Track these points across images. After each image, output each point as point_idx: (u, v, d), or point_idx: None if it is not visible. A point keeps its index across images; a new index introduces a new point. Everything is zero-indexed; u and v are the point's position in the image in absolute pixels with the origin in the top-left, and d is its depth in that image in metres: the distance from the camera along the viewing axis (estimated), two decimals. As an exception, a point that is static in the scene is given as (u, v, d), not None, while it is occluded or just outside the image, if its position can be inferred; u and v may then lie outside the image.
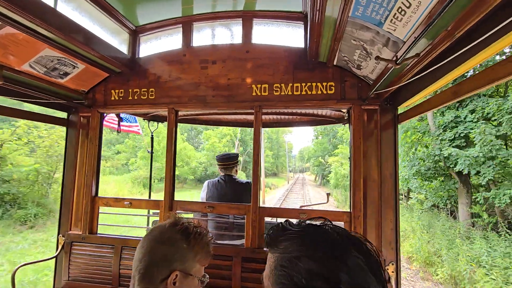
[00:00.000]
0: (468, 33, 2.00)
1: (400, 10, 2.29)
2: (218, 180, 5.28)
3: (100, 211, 4.79)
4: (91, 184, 4.78)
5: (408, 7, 2.21)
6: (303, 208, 4.06)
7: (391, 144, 3.83)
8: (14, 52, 3.56)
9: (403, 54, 2.53)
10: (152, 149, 7.28)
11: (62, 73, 4.20)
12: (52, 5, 3.39)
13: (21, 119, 4.21)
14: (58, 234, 4.82)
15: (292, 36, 4.41)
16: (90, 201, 4.74)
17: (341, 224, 4.05)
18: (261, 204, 4.12)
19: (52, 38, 3.50)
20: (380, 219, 3.79)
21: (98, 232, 4.76)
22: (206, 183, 5.36)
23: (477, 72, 2.19)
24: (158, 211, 4.56)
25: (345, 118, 5.40)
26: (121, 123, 6.40)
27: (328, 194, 6.28)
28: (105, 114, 5.08)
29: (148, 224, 6.38)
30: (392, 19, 2.46)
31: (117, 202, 4.69)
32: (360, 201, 3.83)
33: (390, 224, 3.76)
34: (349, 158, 4.32)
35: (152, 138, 7.09)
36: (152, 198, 5.73)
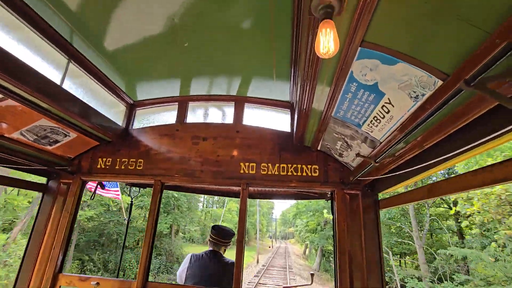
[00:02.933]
0: (435, 145, 2.32)
1: (375, 118, 2.66)
2: (203, 255, 4.94)
3: (60, 292, 4.25)
4: (57, 259, 4.34)
5: (382, 118, 2.57)
6: (288, 297, 3.79)
7: (374, 229, 3.93)
8: (10, 121, 3.61)
9: (381, 153, 2.83)
10: (129, 217, 6.91)
11: (52, 141, 4.22)
12: (58, 82, 3.62)
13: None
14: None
15: (279, 120, 4.82)
16: (51, 278, 4.24)
17: None
18: (243, 290, 3.85)
19: (52, 111, 3.62)
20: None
21: None
22: (189, 256, 4.97)
23: (451, 176, 2.45)
24: None
25: (328, 195, 5.55)
26: (99, 188, 6.18)
27: (312, 275, 5.98)
28: (87, 182, 4.94)
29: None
30: (369, 124, 2.82)
31: (83, 281, 4.22)
32: (347, 286, 3.70)
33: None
34: (332, 238, 4.31)
35: (131, 204, 6.81)
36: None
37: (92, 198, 6.19)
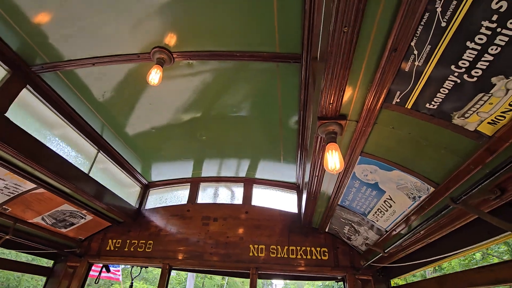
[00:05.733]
0: (440, 239, 2.50)
1: (379, 210, 2.90)
2: None
3: None
4: None
5: (386, 211, 2.81)
6: None
7: (391, 321, 3.75)
8: (35, 207, 3.83)
9: (388, 243, 2.97)
10: (127, 301, 6.48)
11: (68, 224, 4.36)
12: (86, 171, 3.97)
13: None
14: None
15: (286, 201, 5.04)
16: None
17: None
18: None
19: (75, 197, 3.88)
20: None
21: None
22: None
23: (459, 271, 2.55)
24: None
25: (338, 278, 5.37)
26: (103, 272, 5.99)
27: None
28: (94, 265, 4.88)
29: None
30: (374, 214, 3.04)
31: None
32: None
33: None
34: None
35: (131, 286, 6.47)
36: None
37: (96, 282, 5.93)
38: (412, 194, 2.35)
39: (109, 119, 3.84)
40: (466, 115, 1.52)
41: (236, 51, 2.77)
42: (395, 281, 4.03)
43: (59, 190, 3.57)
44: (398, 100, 1.71)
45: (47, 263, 4.98)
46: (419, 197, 2.30)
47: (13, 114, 2.96)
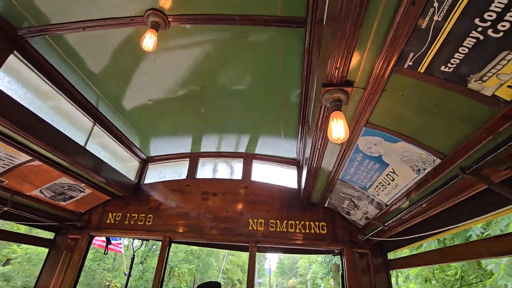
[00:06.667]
0: (441, 213, 2.47)
1: (381, 184, 2.85)
2: None
3: None
4: (56, 323, 4.15)
5: (388, 184, 2.76)
6: None
7: (385, 290, 3.84)
8: (32, 180, 3.79)
9: (388, 216, 2.96)
10: (130, 271, 6.68)
11: (67, 197, 4.35)
12: (82, 143, 3.89)
13: None
14: None
15: (286, 176, 5.01)
16: None
17: None
18: None
19: (73, 170, 3.83)
20: None
21: None
22: None
23: (461, 243, 2.54)
24: None
25: (335, 251, 5.47)
26: (104, 242, 6.09)
27: None
28: (95, 237, 4.94)
29: None
30: (375, 188, 3.00)
31: None
32: None
33: None
34: (344, 300, 4.17)
35: (133, 258, 6.63)
36: None
37: (105, 253, 6.05)
38: (416, 166, 2.28)
39: (104, 89, 3.69)
40: (485, 78, 1.41)
41: (236, 15, 2.58)
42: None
43: (55, 162, 3.51)
44: (410, 63, 1.59)
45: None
46: (424, 169, 2.23)
47: (1, 82, 2.83)
